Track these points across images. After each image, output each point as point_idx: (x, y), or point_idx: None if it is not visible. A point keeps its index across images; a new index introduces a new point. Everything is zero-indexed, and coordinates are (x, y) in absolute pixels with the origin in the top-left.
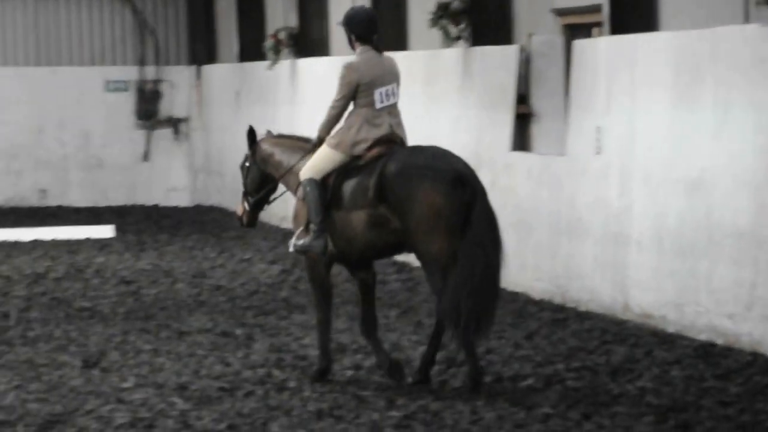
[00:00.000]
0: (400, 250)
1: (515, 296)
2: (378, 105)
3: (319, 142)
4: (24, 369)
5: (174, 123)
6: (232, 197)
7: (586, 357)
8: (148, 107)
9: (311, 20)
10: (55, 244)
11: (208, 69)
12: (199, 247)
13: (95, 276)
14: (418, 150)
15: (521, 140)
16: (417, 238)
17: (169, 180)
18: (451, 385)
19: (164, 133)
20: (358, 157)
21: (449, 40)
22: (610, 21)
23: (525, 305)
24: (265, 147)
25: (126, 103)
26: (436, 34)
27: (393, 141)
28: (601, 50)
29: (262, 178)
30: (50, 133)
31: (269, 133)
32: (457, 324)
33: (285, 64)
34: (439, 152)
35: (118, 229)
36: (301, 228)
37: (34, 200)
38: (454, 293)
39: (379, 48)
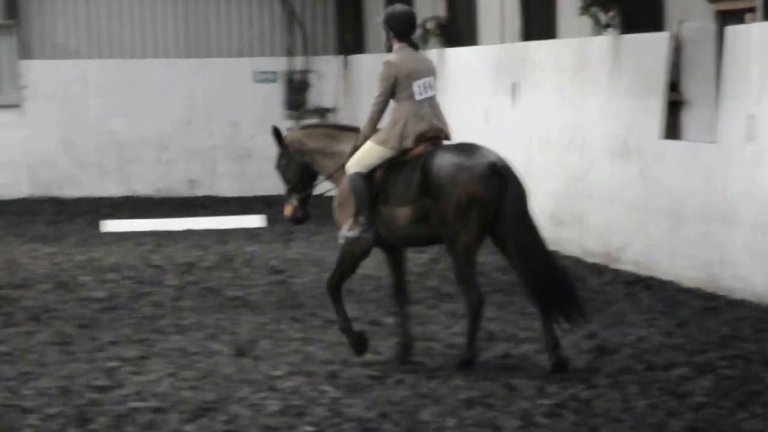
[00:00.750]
0: (440, 241)
1: (666, 285)
2: (418, 96)
3: (364, 139)
4: (177, 357)
5: (322, 113)
6: None
7: (739, 345)
8: (297, 97)
9: (459, 9)
10: (206, 233)
11: (356, 59)
12: None
13: (245, 265)
14: (458, 146)
15: (671, 128)
16: (451, 228)
17: None
18: (602, 373)
19: None
20: (404, 152)
21: (599, 28)
22: (764, 6)
23: (676, 293)
24: (296, 138)
25: (274, 93)
26: (585, 21)
27: (437, 137)
28: (755, 36)
29: (303, 169)
30: (199, 124)
31: (295, 129)
32: (557, 307)
33: (433, 53)
34: (476, 147)
35: (269, 219)
36: (350, 220)
37: (183, 190)
38: (538, 284)
39: (416, 46)
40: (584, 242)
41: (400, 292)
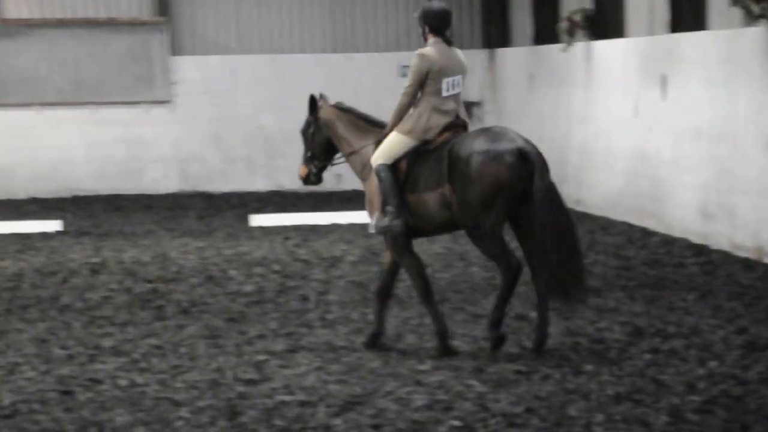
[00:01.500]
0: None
1: None
2: (444, 93)
3: (392, 129)
4: (324, 351)
5: (467, 106)
6: None
7: None
8: None
9: (607, 2)
10: (351, 228)
11: (502, 52)
12: None
13: None
14: (483, 131)
15: None
16: (477, 212)
17: None
18: (753, 370)
19: None
20: (427, 142)
21: (751, 19)
22: None
23: None
24: (329, 116)
25: None
26: (736, 13)
27: (459, 126)
28: None
29: (327, 143)
30: None
31: (324, 99)
32: (557, 291)
33: (580, 46)
34: (502, 131)
35: None
36: (378, 211)
37: (330, 185)
38: (543, 265)
39: (450, 41)
40: (734, 236)
41: (385, 288)
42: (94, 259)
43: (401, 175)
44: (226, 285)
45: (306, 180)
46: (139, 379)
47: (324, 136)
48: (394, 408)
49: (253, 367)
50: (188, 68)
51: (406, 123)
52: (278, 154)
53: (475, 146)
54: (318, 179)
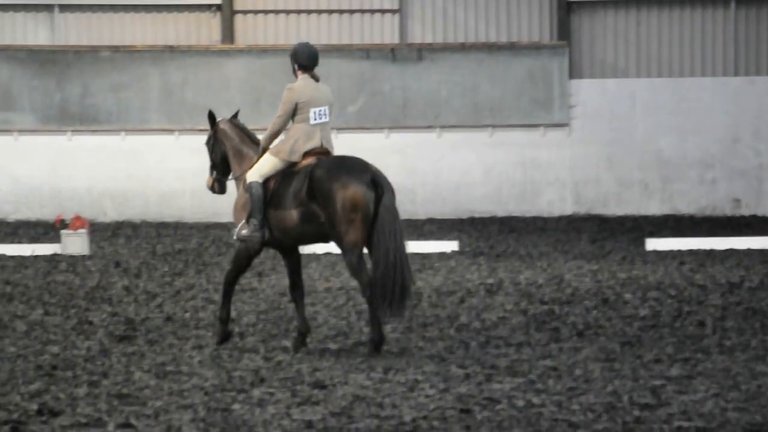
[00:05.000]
0: (326, 239)
1: None
2: (312, 121)
3: (263, 151)
4: (721, 377)
5: None
6: None
7: None
8: None
9: None
10: (749, 253)
11: None
12: None
13: None
14: (340, 158)
15: None
16: (338, 229)
17: None
18: None
19: None
20: (293, 164)
21: None
22: None
23: None
24: (222, 135)
25: None
26: None
27: (322, 152)
28: None
29: (223, 156)
30: (746, 143)
31: (233, 116)
32: (383, 297)
33: None
34: (356, 160)
35: None
36: (243, 221)
37: (727, 209)
38: (378, 274)
39: (316, 77)
40: None
41: (295, 288)
42: (490, 280)
43: (269, 193)
44: (621, 308)
45: (211, 189)
46: (536, 400)
47: (221, 151)
48: None
49: (649, 392)
50: (586, 91)
51: (277, 146)
52: (675, 178)
53: (334, 170)
54: (221, 189)
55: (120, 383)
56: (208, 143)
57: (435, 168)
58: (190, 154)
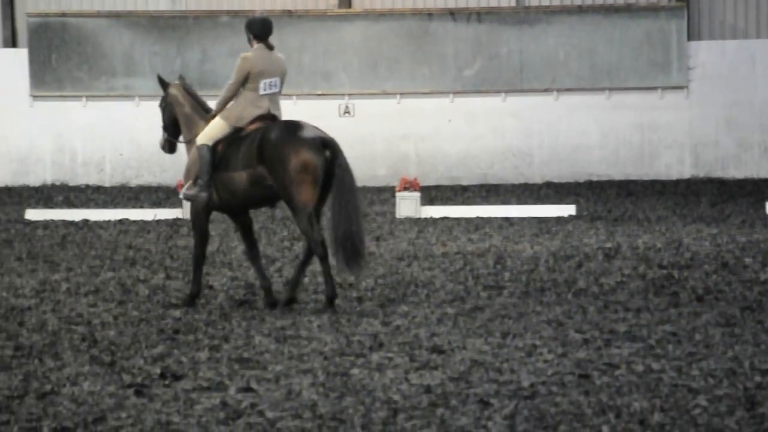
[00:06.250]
0: (272, 202)
1: None
2: (261, 92)
3: (213, 115)
4: None
5: None
6: None
7: None
8: None
9: None
10: None
11: None
12: None
13: None
14: (290, 122)
15: None
16: (290, 190)
17: None
18: None
19: None
20: (240, 129)
21: None
22: None
23: None
24: (173, 98)
25: None
26: None
27: (269, 117)
28: None
29: (173, 119)
30: None
31: (181, 79)
32: (344, 251)
33: None
34: (305, 124)
35: None
36: (191, 181)
37: None
38: (340, 234)
39: (271, 46)
40: None
41: (251, 248)
42: (608, 244)
43: (217, 156)
44: (741, 273)
45: (162, 148)
46: (655, 365)
47: (171, 114)
48: None
49: None
50: (705, 53)
51: (226, 111)
52: None
53: (284, 133)
54: (171, 149)
55: (240, 347)
56: (160, 105)
57: (552, 131)
58: (308, 120)
